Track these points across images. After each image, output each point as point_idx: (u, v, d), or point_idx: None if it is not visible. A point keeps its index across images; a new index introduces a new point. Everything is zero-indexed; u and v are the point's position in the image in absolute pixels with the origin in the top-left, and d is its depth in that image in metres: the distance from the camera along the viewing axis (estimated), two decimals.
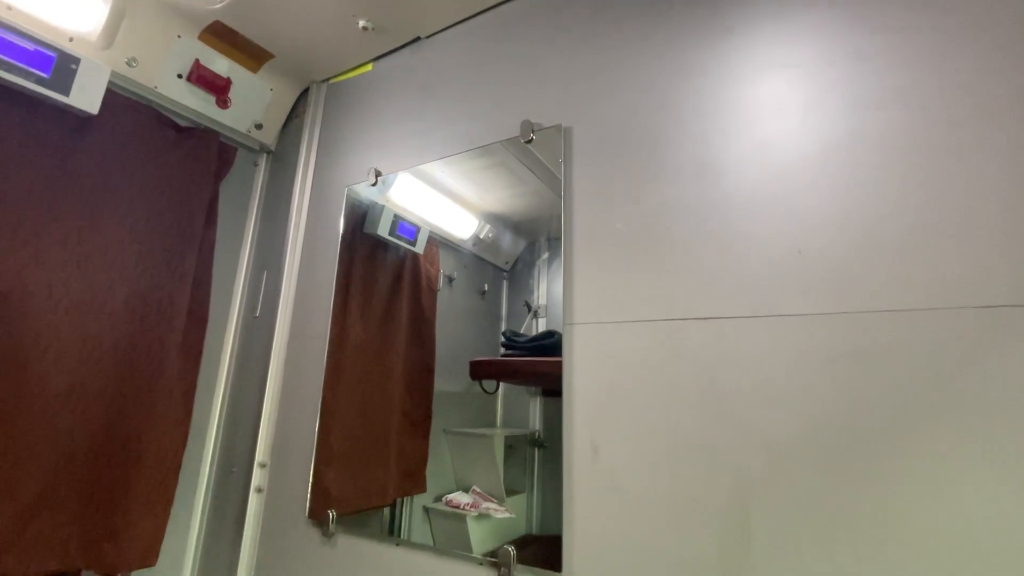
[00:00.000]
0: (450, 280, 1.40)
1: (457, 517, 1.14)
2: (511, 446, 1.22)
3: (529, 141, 1.15)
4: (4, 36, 1.13)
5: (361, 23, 1.40)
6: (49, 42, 1.19)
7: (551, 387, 1.05)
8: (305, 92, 1.71)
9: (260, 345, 1.51)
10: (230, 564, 1.34)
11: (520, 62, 1.25)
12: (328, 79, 1.68)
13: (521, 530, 1.12)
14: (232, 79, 1.53)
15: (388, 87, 1.52)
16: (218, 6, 1.35)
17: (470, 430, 1.27)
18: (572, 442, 0.95)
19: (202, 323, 1.47)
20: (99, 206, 1.29)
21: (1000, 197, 0.72)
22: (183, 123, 1.50)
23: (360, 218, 1.44)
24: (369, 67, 1.59)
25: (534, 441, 1.19)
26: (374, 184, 1.42)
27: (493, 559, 0.97)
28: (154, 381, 1.33)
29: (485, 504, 1.15)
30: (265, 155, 1.74)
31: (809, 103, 0.88)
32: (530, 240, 1.29)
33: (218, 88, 1.51)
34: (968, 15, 0.80)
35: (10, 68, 1.12)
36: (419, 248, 1.40)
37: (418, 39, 1.48)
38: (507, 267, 1.34)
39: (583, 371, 0.97)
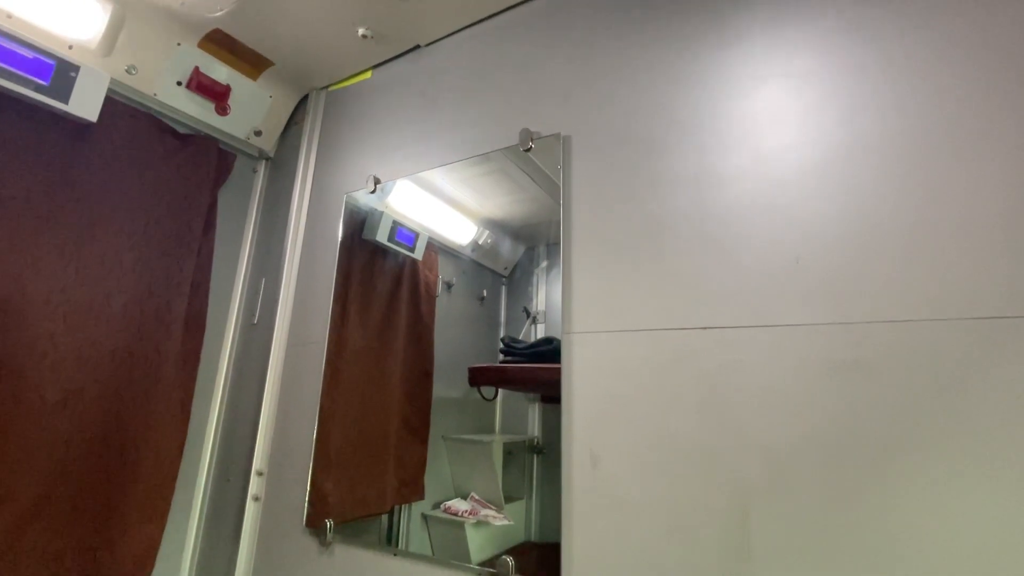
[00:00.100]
0: (449, 286, 1.40)
1: (455, 524, 1.14)
2: (510, 452, 1.21)
3: (528, 149, 1.15)
4: (3, 44, 1.13)
5: (360, 31, 1.41)
6: (48, 50, 1.19)
7: (550, 394, 1.04)
8: (304, 99, 1.72)
9: (258, 352, 1.50)
10: (227, 574, 1.33)
11: (519, 70, 1.26)
12: (327, 86, 1.69)
13: (520, 537, 1.12)
14: (231, 86, 1.53)
15: (387, 95, 1.52)
16: (218, 14, 1.36)
17: (469, 437, 1.27)
18: (571, 450, 0.95)
19: (200, 330, 1.47)
20: (97, 213, 1.29)
21: (999, 209, 0.73)
22: (182, 130, 1.50)
23: (359, 224, 1.44)
24: (368, 75, 1.59)
25: (533, 448, 1.19)
26: (373, 191, 1.42)
27: (492, 570, 0.96)
28: (151, 388, 1.32)
29: (484, 511, 1.15)
30: (264, 162, 1.74)
31: (807, 112, 0.89)
32: (529, 246, 1.29)
33: (217, 95, 1.51)
34: (966, 22, 0.81)
35: (9, 76, 1.13)
36: (418, 254, 1.40)
37: (417, 47, 1.49)
38: (506, 273, 1.34)
39: (582, 379, 0.97)
